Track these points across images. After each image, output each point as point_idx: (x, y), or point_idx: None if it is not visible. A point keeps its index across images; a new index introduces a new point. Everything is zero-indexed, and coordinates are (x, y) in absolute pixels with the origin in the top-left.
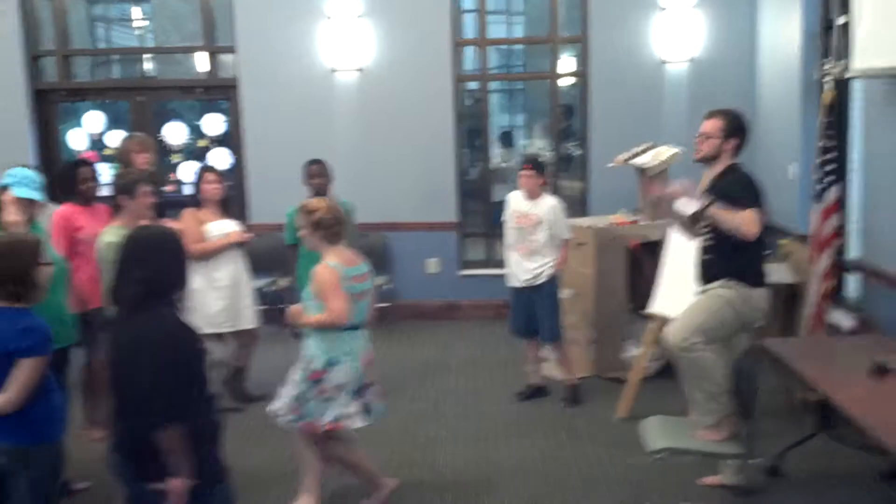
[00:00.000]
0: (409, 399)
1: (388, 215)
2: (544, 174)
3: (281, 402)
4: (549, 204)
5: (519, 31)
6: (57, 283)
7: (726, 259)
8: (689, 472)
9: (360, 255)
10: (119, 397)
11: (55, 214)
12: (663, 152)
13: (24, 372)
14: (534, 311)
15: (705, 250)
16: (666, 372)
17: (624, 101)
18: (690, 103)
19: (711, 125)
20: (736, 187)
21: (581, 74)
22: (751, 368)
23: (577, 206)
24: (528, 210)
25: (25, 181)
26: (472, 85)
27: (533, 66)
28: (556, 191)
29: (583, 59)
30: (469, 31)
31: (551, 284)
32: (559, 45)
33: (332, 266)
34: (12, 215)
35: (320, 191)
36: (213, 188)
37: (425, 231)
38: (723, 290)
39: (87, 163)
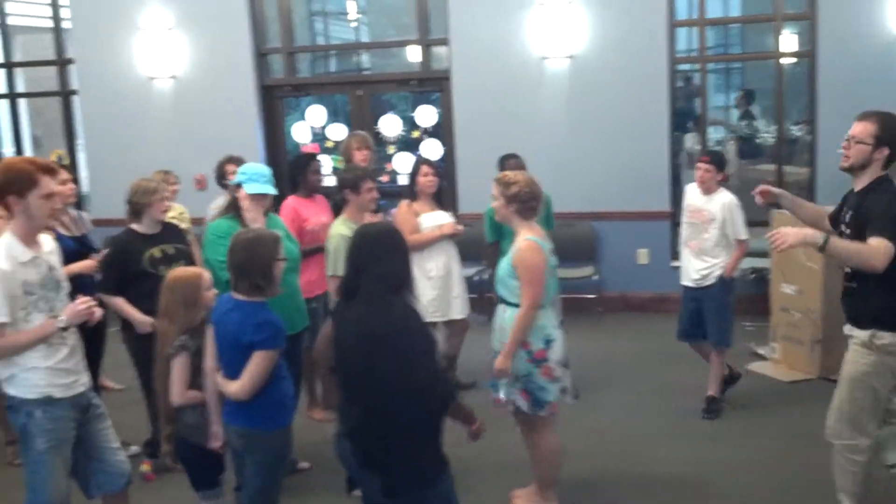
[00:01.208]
0: (625, 392)
1: (597, 204)
2: (724, 169)
3: (509, 395)
4: (723, 201)
5: (735, 9)
6: (292, 271)
7: (870, 294)
8: None
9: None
10: (360, 387)
11: (284, 206)
12: None
13: (257, 363)
14: (698, 313)
15: (847, 277)
16: None
17: (856, 80)
18: None
19: (862, 129)
20: (874, 207)
21: (808, 53)
22: None
23: (804, 193)
24: (701, 205)
25: (256, 177)
26: (682, 66)
27: (750, 46)
28: (779, 177)
29: (810, 37)
30: (681, 10)
31: (721, 286)
32: (783, 22)
33: (536, 241)
34: (250, 212)
35: None
36: (428, 181)
37: (635, 220)
38: (860, 350)
39: (315, 156)
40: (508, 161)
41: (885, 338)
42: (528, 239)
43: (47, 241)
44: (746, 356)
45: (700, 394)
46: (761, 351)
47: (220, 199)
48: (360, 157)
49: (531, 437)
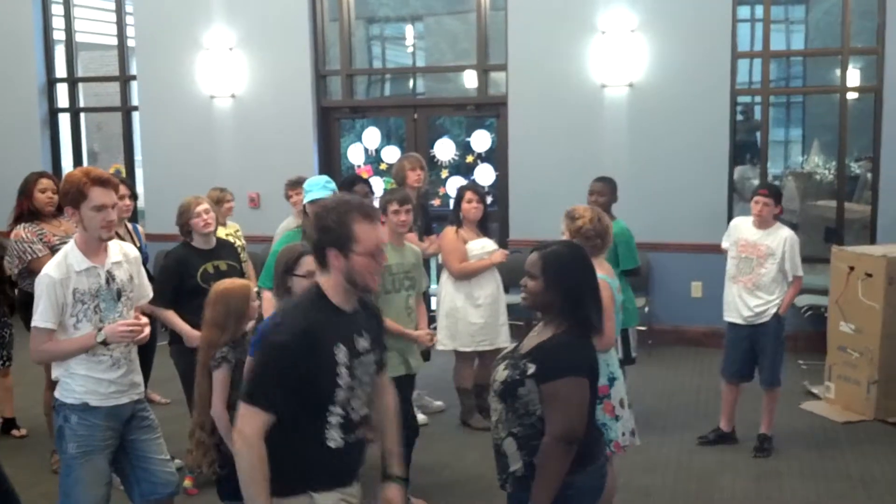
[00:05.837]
0: (682, 428)
1: (653, 235)
2: (780, 203)
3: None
4: (782, 236)
5: (797, 42)
6: None
7: None
8: None
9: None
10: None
11: None
12: None
13: None
14: (751, 352)
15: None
16: None
17: None
18: None
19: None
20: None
21: (874, 88)
22: None
23: (863, 231)
24: (757, 240)
25: (311, 186)
26: (742, 98)
27: (811, 80)
28: (839, 214)
29: (877, 72)
30: (743, 42)
31: (777, 324)
32: (850, 56)
33: (605, 279)
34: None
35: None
36: (472, 207)
37: (690, 252)
38: None
39: (363, 179)
40: (594, 183)
41: None
42: (602, 280)
43: (116, 253)
44: (800, 395)
45: (755, 431)
46: (815, 390)
47: (290, 219)
48: (414, 177)
49: None
